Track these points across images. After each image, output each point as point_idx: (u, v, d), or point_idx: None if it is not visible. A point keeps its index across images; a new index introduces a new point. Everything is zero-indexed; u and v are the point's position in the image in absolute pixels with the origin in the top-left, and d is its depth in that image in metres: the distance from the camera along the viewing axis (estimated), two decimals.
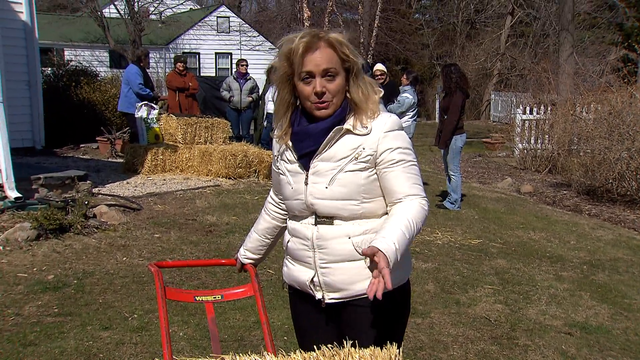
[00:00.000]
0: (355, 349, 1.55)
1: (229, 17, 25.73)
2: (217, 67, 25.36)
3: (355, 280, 1.87)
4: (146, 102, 9.00)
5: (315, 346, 1.58)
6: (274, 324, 3.75)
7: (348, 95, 1.88)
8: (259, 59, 22.59)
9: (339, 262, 1.89)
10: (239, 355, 1.53)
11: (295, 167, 1.93)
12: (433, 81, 27.51)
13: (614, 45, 17.53)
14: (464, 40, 28.48)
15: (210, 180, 8.28)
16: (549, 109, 11.93)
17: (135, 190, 7.42)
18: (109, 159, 10.11)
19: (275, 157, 2.03)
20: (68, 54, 21.46)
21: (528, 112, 12.29)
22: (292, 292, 2.10)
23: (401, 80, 8.58)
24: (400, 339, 1.99)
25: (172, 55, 18.69)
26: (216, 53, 25.38)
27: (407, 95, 8.10)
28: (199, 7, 29.01)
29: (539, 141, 11.89)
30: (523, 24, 27.22)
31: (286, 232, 2.07)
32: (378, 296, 1.58)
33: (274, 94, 1.94)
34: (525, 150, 11.95)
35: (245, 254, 2.27)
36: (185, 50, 24.10)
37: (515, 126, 12.42)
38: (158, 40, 23.87)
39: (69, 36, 21.65)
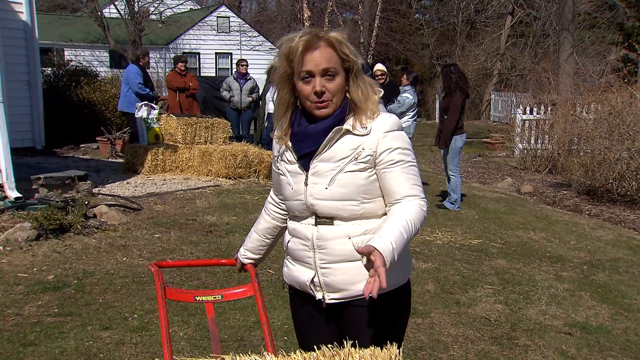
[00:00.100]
0: (355, 349, 1.55)
1: (229, 17, 25.73)
2: (217, 67, 25.36)
3: (355, 280, 1.87)
4: (146, 102, 9.00)
5: (315, 346, 1.58)
6: (274, 324, 3.75)
7: (348, 95, 1.88)
8: (259, 59, 22.59)
9: (339, 263, 1.89)
10: (239, 355, 1.53)
11: (295, 167, 1.93)
12: (433, 81, 27.52)
13: (614, 45, 17.53)
14: (464, 40, 28.48)
15: (211, 180, 8.28)
16: (549, 109, 11.93)
17: (135, 190, 7.42)
18: (109, 159, 10.11)
19: (276, 158, 2.03)
20: (68, 54, 21.46)
21: (528, 112, 12.29)
22: (292, 292, 2.10)
23: (401, 80, 8.58)
24: (401, 339, 1.99)
25: (172, 55, 18.69)
26: (216, 53, 25.39)
27: (407, 96, 8.10)
28: (199, 7, 29.00)
29: (539, 141, 11.89)
30: (523, 24, 27.22)
31: (286, 232, 2.07)
32: (373, 295, 1.58)
33: (274, 94, 1.94)
34: (525, 150, 11.95)
35: (246, 254, 2.27)
36: (186, 50, 24.10)
37: (515, 126, 12.42)
38: (158, 40, 23.87)
39: (69, 36, 21.65)
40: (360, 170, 1.85)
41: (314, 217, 1.91)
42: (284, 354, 1.58)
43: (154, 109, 8.96)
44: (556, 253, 5.92)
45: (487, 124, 21.79)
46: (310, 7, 15.38)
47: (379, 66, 8.84)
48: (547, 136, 11.55)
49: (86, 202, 5.90)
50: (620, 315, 4.38)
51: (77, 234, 5.37)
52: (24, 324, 3.65)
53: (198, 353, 3.30)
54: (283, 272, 2.12)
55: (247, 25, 26.29)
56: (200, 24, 24.72)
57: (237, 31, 25.11)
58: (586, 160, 9.01)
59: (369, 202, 1.88)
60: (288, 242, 2.03)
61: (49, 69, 13.40)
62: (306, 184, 1.89)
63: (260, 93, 11.29)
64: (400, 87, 8.43)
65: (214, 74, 23.21)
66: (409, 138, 2.08)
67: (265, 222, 2.22)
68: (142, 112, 8.85)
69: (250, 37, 25.09)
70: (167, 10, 23.55)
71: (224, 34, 25.29)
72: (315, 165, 1.88)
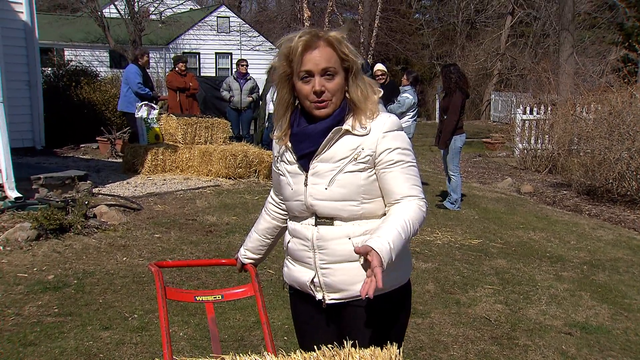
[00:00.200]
0: (355, 349, 1.55)
1: (229, 17, 25.72)
2: (217, 67, 25.36)
3: (355, 280, 1.86)
4: (146, 102, 9.00)
5: (315, 346, 1.58)
6: (274, 324, 3.75)
7: (347, 95, 1.87)
8: (259, 59, 22.60)
9: (339, 263, 1.89)
10: (239, 355, 1.53)
11: (295, 168, 1.93)
12: (433, 81, 27.53)
13: (614, 45, 17.53)
14: (464, 40, 28.48)
15: (211, 180, 8.28)
16: (549, 109, 11.93)
17: (135, 190, 7.42)
18: (109, 159, 10.11)
19: (276, 158, 2.03)
20: (68, 54, 21.47)
21: (528, 112, 12.29)
22: (292, 292, 2.10)
23: (401, 81, 8.59)
24: (401, 339, 1.99)
25: (172, 55, 18.69)
26: (216, 53, 25.39)
27: (408, 96, 8.10)
28: (199, 7, 29.00)
29: (539, 141, 11.89)
30: (523, 24, 27.23)
31: (287, 232, 2.07)
32: (370, 295, 1.58)
33: (274, 94, 1.94)
34: (525, 150, 11.95)
35: (246, 254, 2.27)
36: (186, 50, 24.10)
37: (516, 126, 12.42)
38: (158, 40, 23.87)
39: (69, 36, 21.65)
40: (359, 171, 1.85)
41: (314, 217, 1.90)
42: (284, 354, 1.58)
43: (154, 109, 8.96)
44: (556, 253, 5.92)
45: (487, 124, 21.79)
46: (310, 7, 15.38)
47: (379, 66, 8.85)
48: (547, 136, 11.56)
49: (86, 202, 5.90)
50: (620, 315, 4.38)
51: (77, 234, 5.37)
52: (24, 324, 3.65)
53: (198, 353, 3.30)
54: (283, 272, 2.12)
55: (247, 25, 26.29)
56: (200, 24, 24.72)
57: (237, 31, 25.11)
58: (586, 160, 9.01)
59: (368, 202, 1.87)
60: (288, 242, 2.03)
61: (49, 69, 13.41)
62: (306, 185, 1.89)
63: (260, 93, 11.30)
64: (400, 87, 8.44)
65: (214, 74, 23.21)
66: (409, 138, 2.08)
67: (266, 222, 2.22)
68: (142, 112, 8.85)
69: (250, 37, 25.10)
70: (167, 10, 23.55)
71: (224, 34, 25.29)
72: (315, 165, 1.88)
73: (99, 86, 12.28)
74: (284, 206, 2.10)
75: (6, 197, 5.75)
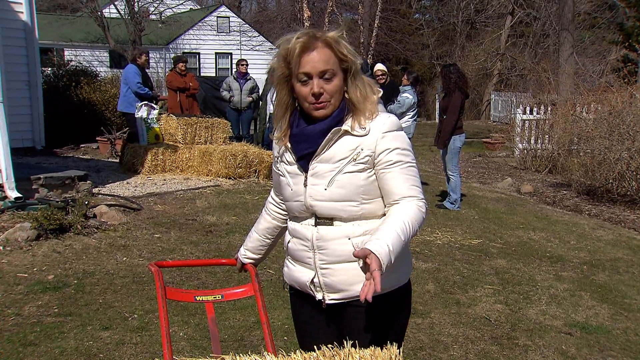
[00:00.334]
0: (355, 349, 1.55)
1: (229, 17, 25.72)
2: (217, 67, 25.36)
3: (355, 281, 1.86)
4: (146, 102, 9.00)
5: (315, 346, 1.58)
6: (274, 324, 3.75)
7: (346, 95, 1.87)
8: (259, 59, 22.61)
9: (339, 263, 1.89)
10: (239, 356, 1.53)
11: (295, 168, 1.92)
12: (433, 81, 27.52)
13: (614, 45, 17.52)
14: (464, 40, 28.49)
15: (211, 180, 8.28)
16: (549, 109, 11.93)
17: (135, 190, 7.43)
18: (109, 159, 10.11)
19: (276, 159, 2.03)
20: (68, 54, 21.47)
21: (528, 112, 12.29)
22: (292, 292, 2.10)
23: (401, 81, 8.59)
24: (401, 339, 1.99)
25: (172, 55, 18.68)
26: (216, 53, 25.39)
27: (407, 96, 8.10)
28: (199, 7, 29.01)
29: (539, 141, 11.89)
30: (523, 24, 27.23)
31: (287, 232, 2.07)
32: (368, 299, 1.57)
33: (273, 94, 1.93)
34: (525, 151, 11.95)
35: (246, 254, 2.28)
36: (186, 50, 24.10)
37: (515, 126, 12.42)
38: (158, 40, 23.87)
39: (69, 36, 21.66)
40: (359, 171, 1.85)
41: (313, 217, 1.90)
42: (284, 354, 1.58)
43: (154, 109, 8.96)
44: (556, 253, 5.92)
45: (487, 124, 21.79)
46: (310, 7, 15.38)
47: (379, 66, 8.85)
48: (547, 136, 11.56)
49: (86, 202, 5.90)
50: (620, 315, 4.38)
51: (77, 234, 5.38)
52: (24, 324, 3.65)
53: (198, 353, 3.30)
54: (283, 272, 2.12)
55: (247, 25, 26.29)
56: (200, 24, 24.73)
57: (237, 31, 25.12)
58: (586, 160, 9.01)
59: (368, 202, 1.87)
60: (288, 242, 2.03)
61: (49, 69, 13.41)
62: (305, 185, 1.89)
63: (260, 93, 11.30)
64: (401, 87, 8.44)
65: (214, 74, 23.21)
66: (409, 138, 2.07)
67: (266, 222, 2.22)
68: (142, 112, 8.85)
69: (250, 37, 25.10)
70: (167, 10, 23.56)
71: (224, 34, 25.29)
72: (315, 166, 1.88)
73: (99, 86, 12.28)
74: (284, 206, 2.10)
75: (6, 197, 5.75)
